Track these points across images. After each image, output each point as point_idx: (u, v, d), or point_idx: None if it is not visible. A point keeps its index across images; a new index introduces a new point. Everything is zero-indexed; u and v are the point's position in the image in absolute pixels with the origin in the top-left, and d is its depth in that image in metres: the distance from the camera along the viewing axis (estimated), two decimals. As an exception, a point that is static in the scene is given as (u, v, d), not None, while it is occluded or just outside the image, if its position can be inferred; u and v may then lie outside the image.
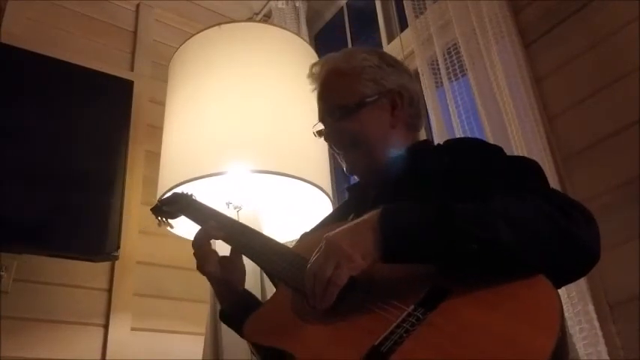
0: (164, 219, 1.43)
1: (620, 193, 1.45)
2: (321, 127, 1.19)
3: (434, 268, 0.83)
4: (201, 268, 1.12)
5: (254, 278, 1.51)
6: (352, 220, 1.11)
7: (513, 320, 0.71)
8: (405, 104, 1.14)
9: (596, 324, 1.36)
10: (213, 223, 1.15)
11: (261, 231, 1.73)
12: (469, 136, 1.71)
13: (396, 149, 1.12)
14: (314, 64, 1.22)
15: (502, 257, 0.78)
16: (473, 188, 0.90)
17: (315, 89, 1.21)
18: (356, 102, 1.12)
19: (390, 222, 0.84)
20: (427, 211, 0.83)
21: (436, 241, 0.81)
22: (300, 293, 0.92)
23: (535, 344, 0.67)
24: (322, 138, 1.19)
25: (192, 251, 1.14)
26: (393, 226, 0.83)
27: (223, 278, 1.13)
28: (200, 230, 1.14)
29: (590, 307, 1.37)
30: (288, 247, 1.08)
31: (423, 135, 1.26)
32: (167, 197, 1.45)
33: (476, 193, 0.87)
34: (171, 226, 1.44)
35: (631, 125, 1.46)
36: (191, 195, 1.39)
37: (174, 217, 1.40)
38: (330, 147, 1.18)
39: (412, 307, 0.78)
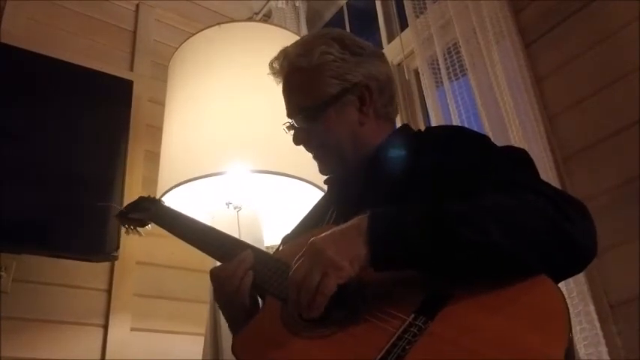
0: (132, 227, 1.35)
1: (620, 193, 1.45)
2: (289, 123, 1.13)
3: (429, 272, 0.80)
4: (222, 301, 1.03)
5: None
6: (332, 214, 1.07)
7: (520, 326, 0.68)
8: (375, 95, 1.07)
9: (597, 324, 1.36)
10: (244, 261, 1.00)
11: (260, 231, 1.74)
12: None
13: (367, 145, 1.05)
14: (275, 59, 1.14)
15: (497, 260, 0.75)
16: (463, 184, 0.86)
17: (279, 83, 1.15)
18: (319, 103, 1.05)
19: (378, 228, 0.80)
20: (417, 216, 0.80)
21: (427, 248, 0.77)
22: (288, 304, 0.87)
23: (546, 353, 0.64)
24: (296, 144, 1.13)
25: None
26: (381, 232, 0.79)
27: (238, 303, 1.01)
28: (232, 269, 0.99)
29: (591, 308, 1.37)
30: (270, 254, 1.03)
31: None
32: (133, 204, 1.37)
33: (466, 188, 0.84)
34: (140, 234, 1.38)
35: (631, 125, 1.46)
36: (159, 200, 1.35)
37: (143, 224, 1.34)
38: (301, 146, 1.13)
39: (412, 316, 0.75)
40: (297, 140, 1.11)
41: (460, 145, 0.96)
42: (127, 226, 1.37)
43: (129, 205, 1.39)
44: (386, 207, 0.83)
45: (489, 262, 0.75)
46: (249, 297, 1.00)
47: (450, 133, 1.03)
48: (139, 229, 1.36)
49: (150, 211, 1.31)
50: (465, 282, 0.76)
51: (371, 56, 1.10)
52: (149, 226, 1.36)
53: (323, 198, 1.22)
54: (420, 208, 0.81)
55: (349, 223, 0.83)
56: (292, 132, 1.12)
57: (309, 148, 1.11)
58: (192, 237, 1.16)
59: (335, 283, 0.78)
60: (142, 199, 1.38)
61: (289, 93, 1.11)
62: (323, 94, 1.05)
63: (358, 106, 1.06)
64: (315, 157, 1.11)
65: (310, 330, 0.82)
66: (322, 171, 1.12)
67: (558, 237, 0.77)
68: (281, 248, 1.10)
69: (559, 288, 0.72)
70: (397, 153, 1.02)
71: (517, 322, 0.69)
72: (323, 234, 0.83)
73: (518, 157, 0.94)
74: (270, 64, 1.15)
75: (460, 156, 0.92)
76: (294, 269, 0.83)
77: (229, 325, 1.07)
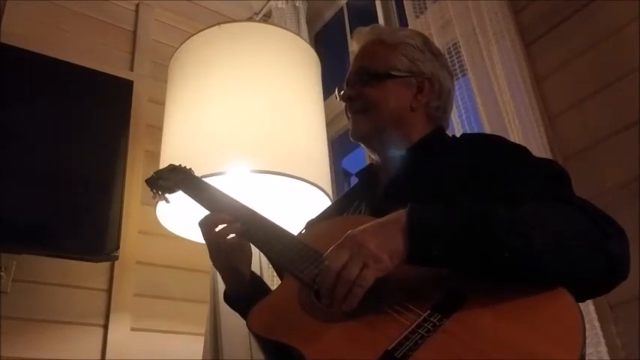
0: (160, 192, 1.36)
1: (620, 193, 1.45)
2: (343, 90, 1.18)
3: (451, 270, 0.80)
4: (213, 258, 1.09)
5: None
6: (357, 206, 1.10)
7: (533, 334, 0.68)
8: (433, 93, 1.13)
9: (597, 324, 1.36)
10: (226, 215, 1.09)
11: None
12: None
13: (407, 131, 1.10)
14: (360, 29, 1.22)
15: (532, 268, 0.75)
16: (495, 190, 0.87)
17: (353, 51, 1.21)
18: (384, 71, 1.12)
19: (419, 224, 0.80)
20: (459, 215, 0.80)
21: (467, 248, 0.77)
22: (309, 288, 0.88)
23: None
24: (343, 100, 1.19)
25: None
26: (423, 228, 0.80)
27: (232, 264, 1.08)
28: (213, 219, 1.08)
29: (591, 308, 1.37)
30: (296, 236, 1.03)
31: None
32: (163, 170, 1.39)
33: (498, 195, 0.84)
34: (168, 201, 1.37)
35: (631, 125, 1.46)
36: (190, 169, 1.35)
37: (171, 191, 1.34)
38: (345, 110, 1.18)
39: (428, 311, 0.76)
40: (345, 97, 1.16)
41: (499, 150, 0.98)
42: (155, 191, 1.38)
43: (159, 171, 1.40)
44: (425, 204, 0.83)
45: (526, 270, 0.75)
46: (246, 267, 1.08)
47: (489, 139, 1.07)
48: (166, 195, 1.36)
49: (178, 178, 1.32)
50: (490, 284, 0.76)
51: (444, 66, 1.18)
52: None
53: (352, 190, 1.25)
54: (463, 209, 0.81)
55: (389, 216, 0.83)
56: (342, 96, 1.18)
57: (352, 107, 1.15)
58: (217, 207, 1.16)
59: (374, 275, 0.78)
60: (172, 166, 1.38)
61: (361, 57, 1.18)
62: (391, 65, 1.12)
63: (415, 92, 1.12)
64: (354, 119, 1.15)
65: (327, 314, 0.83)
66: (354, 134, 1.16)
67: (598, 255, 0.78)
68: (305, 232, 1.11)
69: (577, 304, 0.72)
70: (430, 153, 1.06)
71: (532, 333, 0.69)
72: (362, 226, 0.82)
73: (559, 172, 0.95)
74: (357, 31, 1.23)
75: (498, 160, 0.94)
76: (330, 258, 0.81)
77: (226, 288, 1.12)
